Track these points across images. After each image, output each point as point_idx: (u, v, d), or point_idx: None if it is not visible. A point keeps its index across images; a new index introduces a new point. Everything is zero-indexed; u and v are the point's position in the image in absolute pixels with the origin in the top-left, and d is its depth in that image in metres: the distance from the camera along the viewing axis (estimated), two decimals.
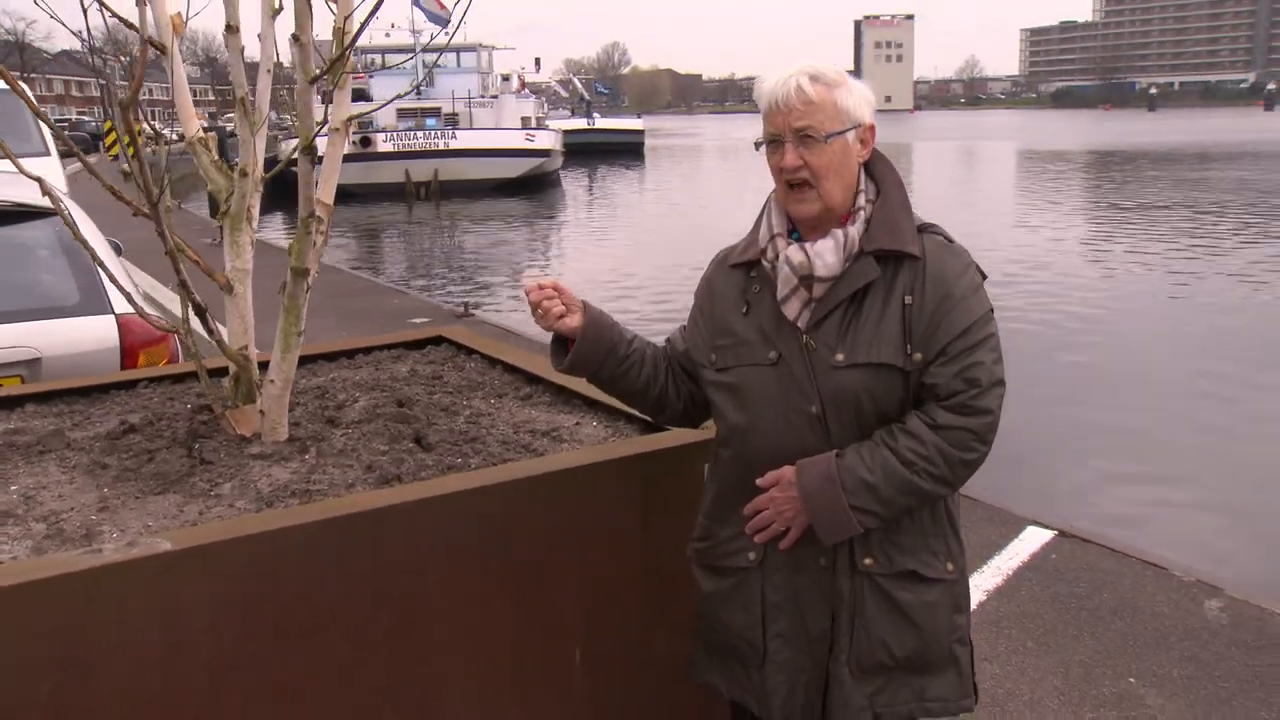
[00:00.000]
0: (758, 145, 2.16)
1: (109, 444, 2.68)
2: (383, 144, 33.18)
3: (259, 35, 2.74)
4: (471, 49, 40.37)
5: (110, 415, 2.96)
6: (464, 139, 34.53)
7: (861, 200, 2.11)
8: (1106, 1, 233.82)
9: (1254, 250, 18.89)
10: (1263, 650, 4.00)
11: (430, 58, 38.21)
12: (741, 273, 2.26)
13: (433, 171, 33.17)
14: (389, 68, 32.25)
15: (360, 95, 30.74)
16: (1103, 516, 6.45)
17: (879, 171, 2.15)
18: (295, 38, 2.33)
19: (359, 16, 2.43)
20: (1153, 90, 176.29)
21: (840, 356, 2.07)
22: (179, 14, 2.62)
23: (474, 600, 2.33)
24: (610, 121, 65.92)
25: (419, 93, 37.65)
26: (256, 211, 2.75)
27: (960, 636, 2.19)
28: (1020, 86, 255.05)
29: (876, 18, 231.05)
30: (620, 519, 2.51)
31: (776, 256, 2.15)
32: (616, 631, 2.54)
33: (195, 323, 2.68)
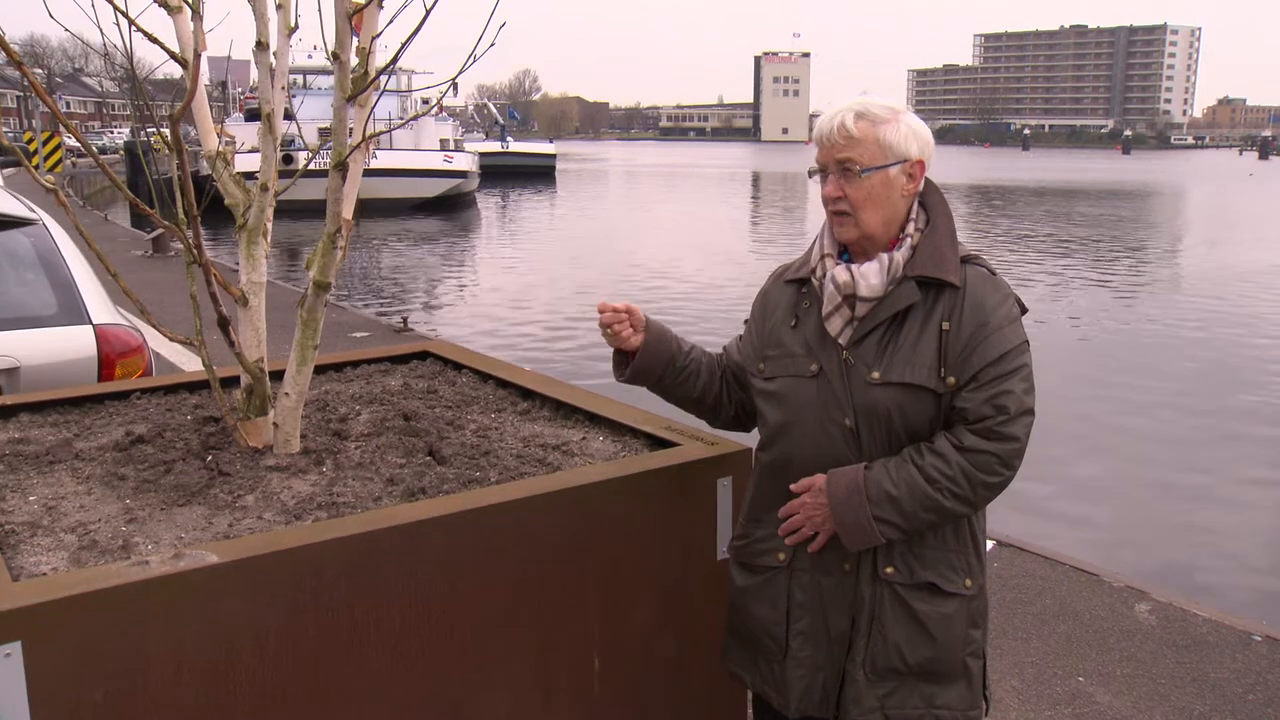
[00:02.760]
0: (811, 174, 2.32)
1: (121, 455, 2.65)
2: (302, 161, 32.55)
3: (274, 52, 2.76)
4: (389, 72, 40.12)
5: (112, 426, 2.93)
6: (385, 159, 34.29)
7: (911, 228, 2.23)
8: (984, 48, 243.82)
9: (1118, 277, 20.21)
10: (1190, 649, 4.25)
11: None
12: (794, 288, 2.39)
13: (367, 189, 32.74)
14: (309, 89, 31.84)
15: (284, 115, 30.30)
16: (1028, 526, 6.72)
17: (930, 202, 2.27)
18: (335, 55, 2.36)
19: (394, 34, 2.46)
20: (1026, 131, 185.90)
21: (876, 374, 2.19)
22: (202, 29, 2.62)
23: (503, 611, 2.36)
24: (523, 145, 66.15)
25: None
26: (270, 225, 2.76)
27: (974, 650, 2.29)
28: None
29: (775, 54, 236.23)
30: (639, 531, 2.57)
31: (824, 275, 2.27)
32: (634, 640, 2.59)
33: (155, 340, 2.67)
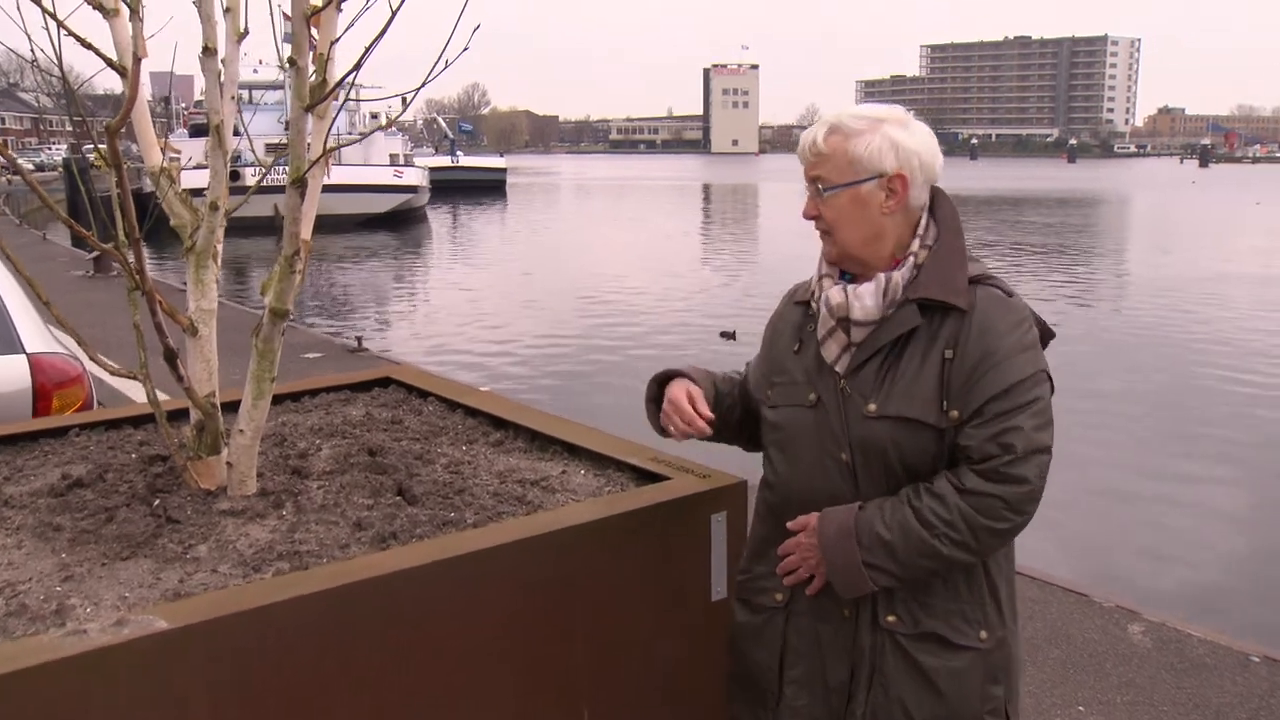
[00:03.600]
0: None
1: (56, 501, 2.41)
2: (251, 178, 32.17)
3: (223, 60, 2.55)
4: (353, 82, 39.61)
5: (47, 467, 2.68)
6: (334, 174, 33.51)
7: (916, 245, 2.04)
8: (931, 59, 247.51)
9: (1072, 283, 20.34)
10: (1189, 673, 4.13)
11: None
12: (802, 310, 2.22)
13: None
14: (255, 104, 31.32)
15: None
16: None
17: (940, 216, 2.08)
18: (292, 61, 2.15)
19: (347, 45, 2.26)
20: (974, 141, 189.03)
21: (873, 406, 2.01)
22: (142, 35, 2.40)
23: (485, 661, 2.15)
24: (473, 160, 65.87)
25: (287, 126, 36.78)
26: (221, 248, 2.54)
27: (995, 707, 2.09)
28: None
29: (724, 66, 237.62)
30: (628, 574, 2.37)
31: (821, 297, 2.10)
32: (624, 690, 2.40)
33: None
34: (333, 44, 2.38)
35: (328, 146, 2.30)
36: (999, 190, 63.09)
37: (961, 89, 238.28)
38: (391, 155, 38.76)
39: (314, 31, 2.35)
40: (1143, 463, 8.81)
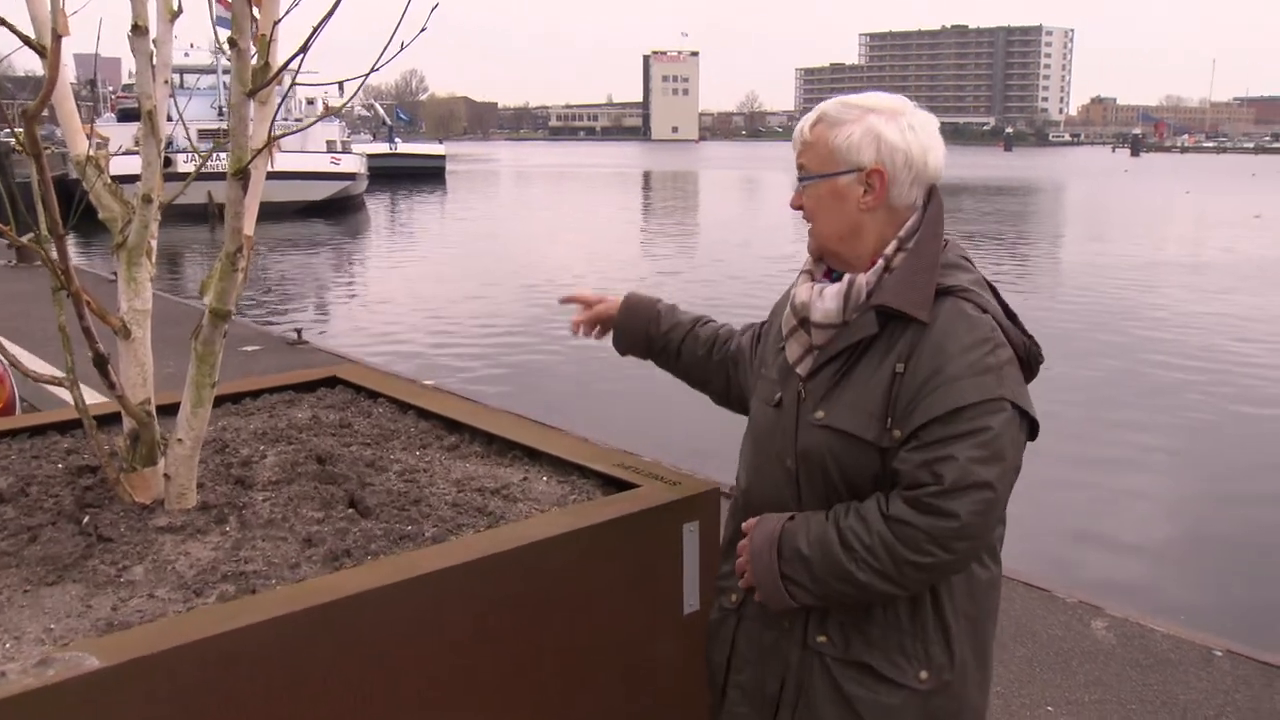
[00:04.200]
0: None
1: None
2: (184, 164, 31.49)
3: (154, 40, 2.36)
4: (301, 64, 38.74)
5: None
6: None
7: (891, 248, 1.90)
8: (870, 47, 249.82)
9: (1005, 271, 20.65)
10: (1154, 669, 4.09)
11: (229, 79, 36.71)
12: None
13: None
14: (187, 88, 30.60)
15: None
16: None
17: (928, 218, 1.93)
18: (233, 42, 1.98)
19: (298, 21, 2.09)
20: None
21: (820, 414, 1.90)
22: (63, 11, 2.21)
23: (449, 688, 2.01)
24: (412, 146, 65.01)
25: (220, 113, 36.04)
26: (155, 243, 2.36)
27: None
28: (796, 120, 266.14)
29: (664, 53, 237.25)
30: (598, 589, 2.24)
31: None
32: (596, 710, 2.27)
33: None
34: (276, 24, 2.21)
35: (280, 133, 2.12)
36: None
37: (900, 77, 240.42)
38: (328, 142, 38.00)
39: (255, 11, 2.18)
40: (1081, 452, 8.84)
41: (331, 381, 3.42)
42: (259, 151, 2.05)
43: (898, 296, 1.84)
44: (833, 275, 2.00)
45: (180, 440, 2.28)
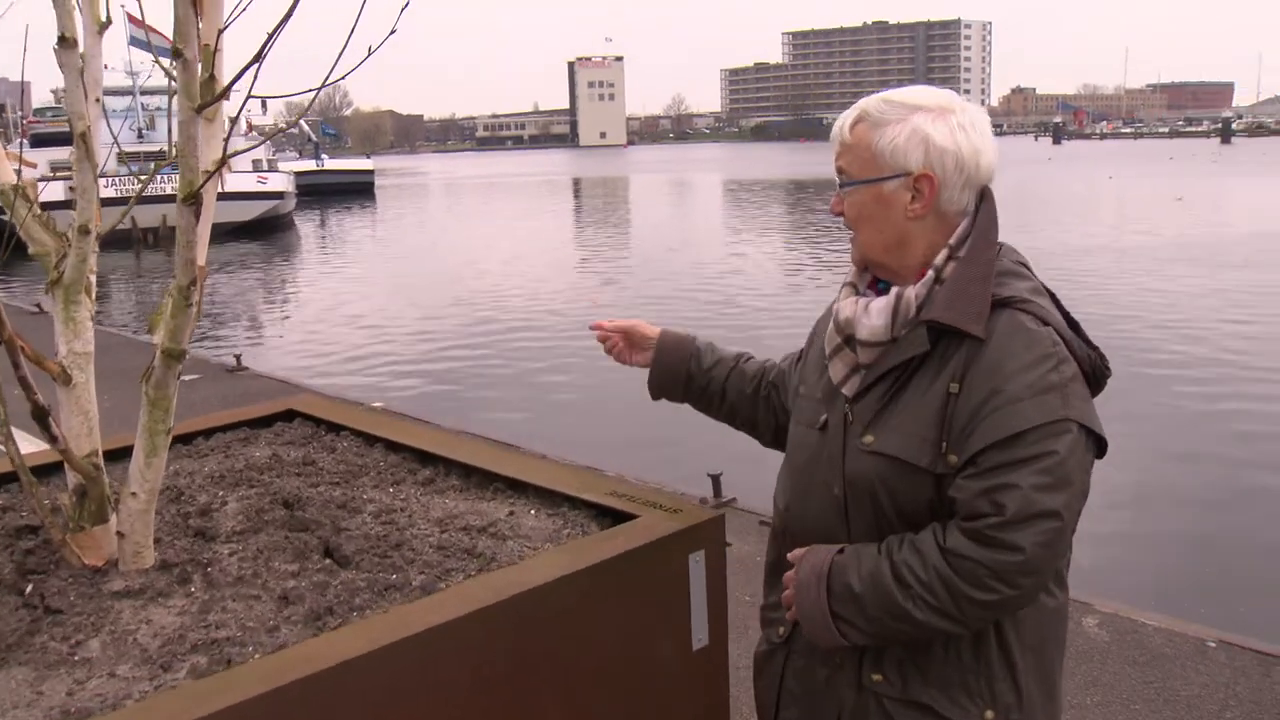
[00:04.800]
0: None
1: None
2: (105, 189, 30.68)
3: (82, 54, 2.14)
4: (257, 73, 37.86)
5: None
6: None
7: (941, 258, 1.76)
8: (794, 46, 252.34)
9: None
10: (1151, 665, 4.01)
11: (150, 100, 35.87)
12: None
13: (161, 217, 30.85)
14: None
15: (54, 140, 28.53)
16: None
17: (979, 225, 1.78)
18: (178, 52, 1.78)
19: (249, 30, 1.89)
20: None
21: (869, 438, 1.76)
22: None
23: None
24: (339, 162, 64.26)
25: (140, 136, 35.23)
26: (94, 278, 2.14)
27: None
28: (723, 122, 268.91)
29: (588, 59, 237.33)
30: (601, 630, 2.07)
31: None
32: None
33: None
34: (220, 33, 2.01)
35: (233, 152, 1.92)
36: None
37: (824, 74, 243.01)
38: (254, 161, 37.31)
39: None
40: None
41: (288, 415, 3.21)
42: (212, 174, 1.85)
43: (950, 311, 1.69)
44: (879, 285, 1.85)
45: (134, 494, 2.07)
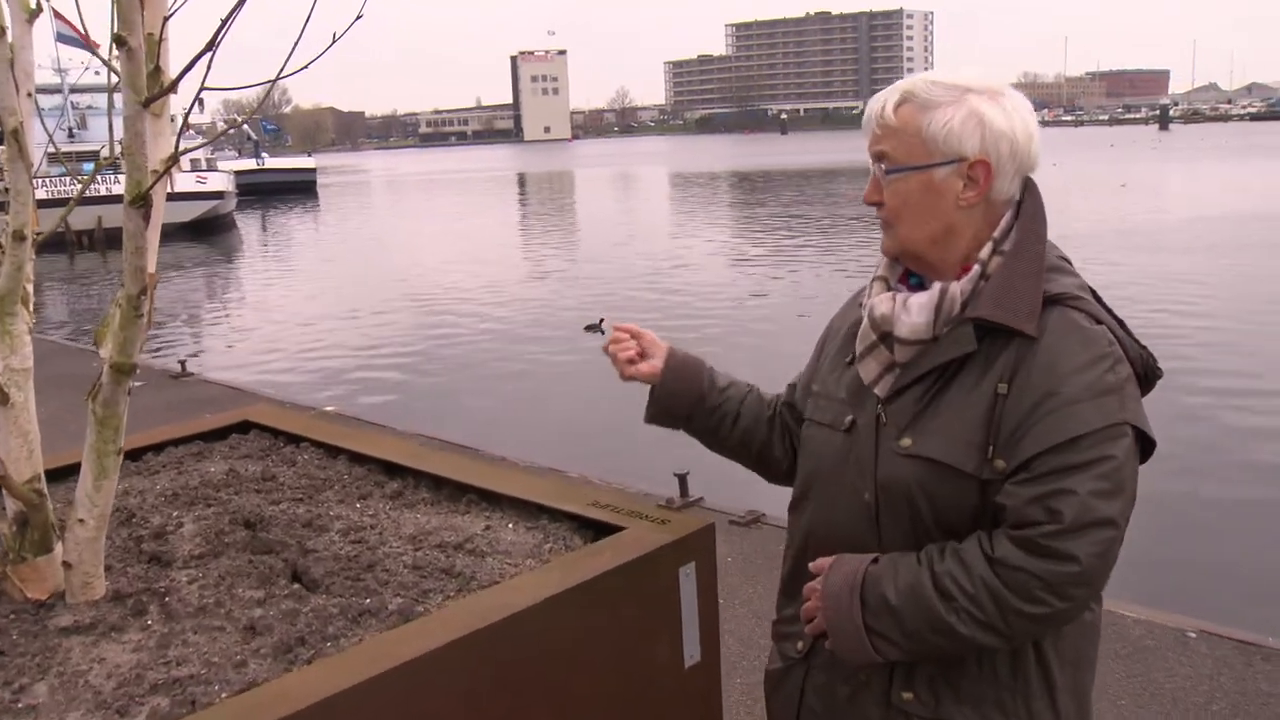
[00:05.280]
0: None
1: None
2: (37, 191, 30.01)
3: (12, 45, 1.98)
4: (209, 65, 36.98)
5: None
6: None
7: (986, 251, 1.65)
8: (737, 37, 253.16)
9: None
10: (1133, 657, 3.97)
11: (81, 99, 35.04)
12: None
13: (96, 219, 30.14)
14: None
15: None
16: None
17: (1025, 215, 1.68)
18: (121, 40, 1.63)
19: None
20: (783, 116, 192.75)
21: (907, 441, 1.65)
22: None
23: None
24: (280, 161, 63.42)
25: (71, 135, 34.37)
26: (31, 288, 1.98)
27: None
28: (668, 114, 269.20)
29: (531, 53, 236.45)
30: (590, 650, 1.95)
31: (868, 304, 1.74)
32: None
33: None
34: (166, 21, 1.86)
35: (184, 149, 1.78)
36: (811, 164, 64.62)
37: (768, 65, 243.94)
38: (192, 161, 36.62)
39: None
40: None
41: (244, 426, 3.05)
42: (161, 174, 1.70)
43: (1000, 308, 1.59)
44: (910, 279, 1.75)
45: (82, 520, 1.91)
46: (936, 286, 1.66)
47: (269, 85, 2.05)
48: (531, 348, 13.30)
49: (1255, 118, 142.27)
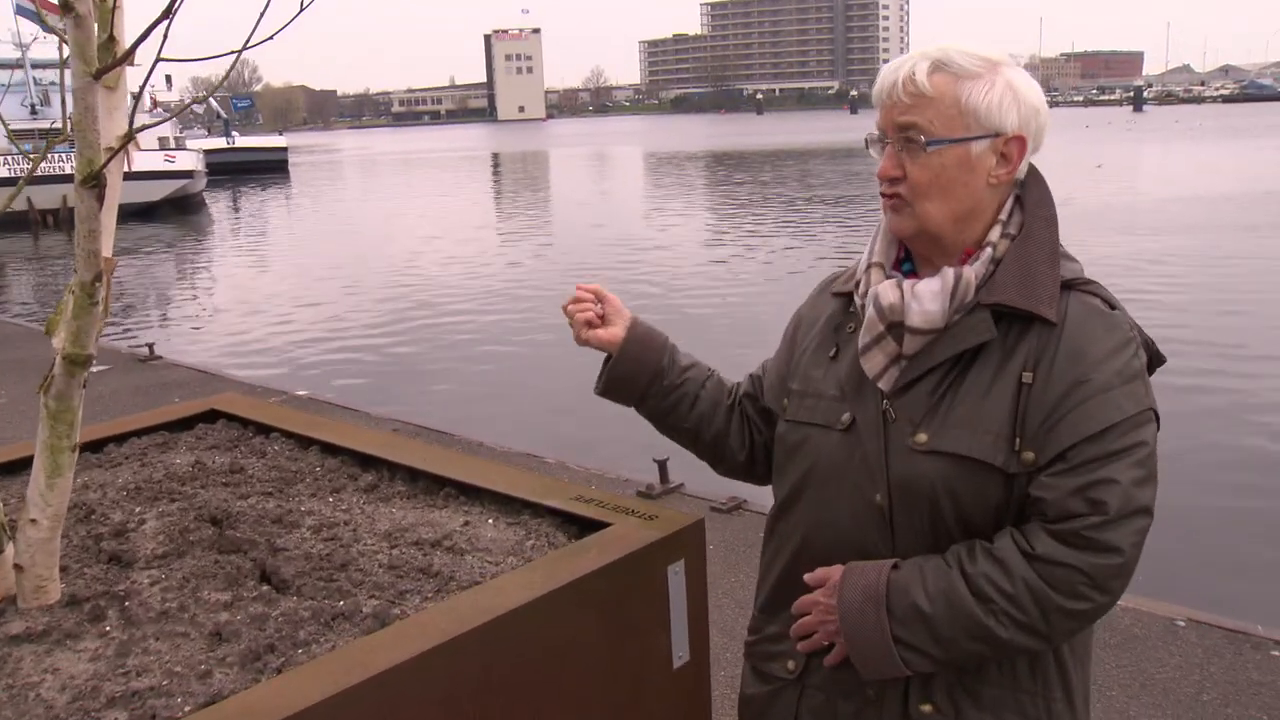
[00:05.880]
0: (868, 143, 1.65)
1: None
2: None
3: None
4: (166, 34, 36.29)
5: None
6: None
7: (995, 234, 1.58)
8: (712, 16, 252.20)
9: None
10: (1122, 647, 3.92)
11: (42, 74, 34.44)
12: (841, 305, 1.75)
13: (60, 198, 29.69)
14: None
15: None
16: None
17: (1031, 200, 1.62)
18: (69, 6, 1.51)
19: None
20: (759, 96, 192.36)
21: (922, 437, 1.56)
22: None
23: None
24: (251, 140, 62.73)
25: (34, 112, 33.80)
26: None
27: None
28: (642, 94, 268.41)
29: (505, 32, 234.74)
30: (578, 649, 1.86)
31: (868, 292, 1.63)
32: None
33: None
34: None
35: (142, 125, 1.66)
36: (786, 144, 64.62)
37: (744, 45, 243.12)
38: (160, 139, 36.11)
39: None
40: None
41: (211, 416, 2.93)
42: (116, 151, 1.59)
43: (1021, 293, 1.53)
44: (902, 266, 1.67)
45: (34, 520, 1.80)
46: (949, 271, 1.57)
47: (235, 56, 1.93)
48: (507, 328, 13.18)
49: (1228, 100, 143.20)
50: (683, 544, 2.01)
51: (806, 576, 1.67)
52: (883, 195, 1.63)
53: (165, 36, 1.50)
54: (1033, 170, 1.64)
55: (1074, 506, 1.46)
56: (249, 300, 16.71)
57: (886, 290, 1.60)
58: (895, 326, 1.59)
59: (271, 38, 1.69)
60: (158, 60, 1.51)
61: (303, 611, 1.79)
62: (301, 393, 8.06)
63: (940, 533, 1.57)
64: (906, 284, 1.59)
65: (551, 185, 45.28)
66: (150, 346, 9.63)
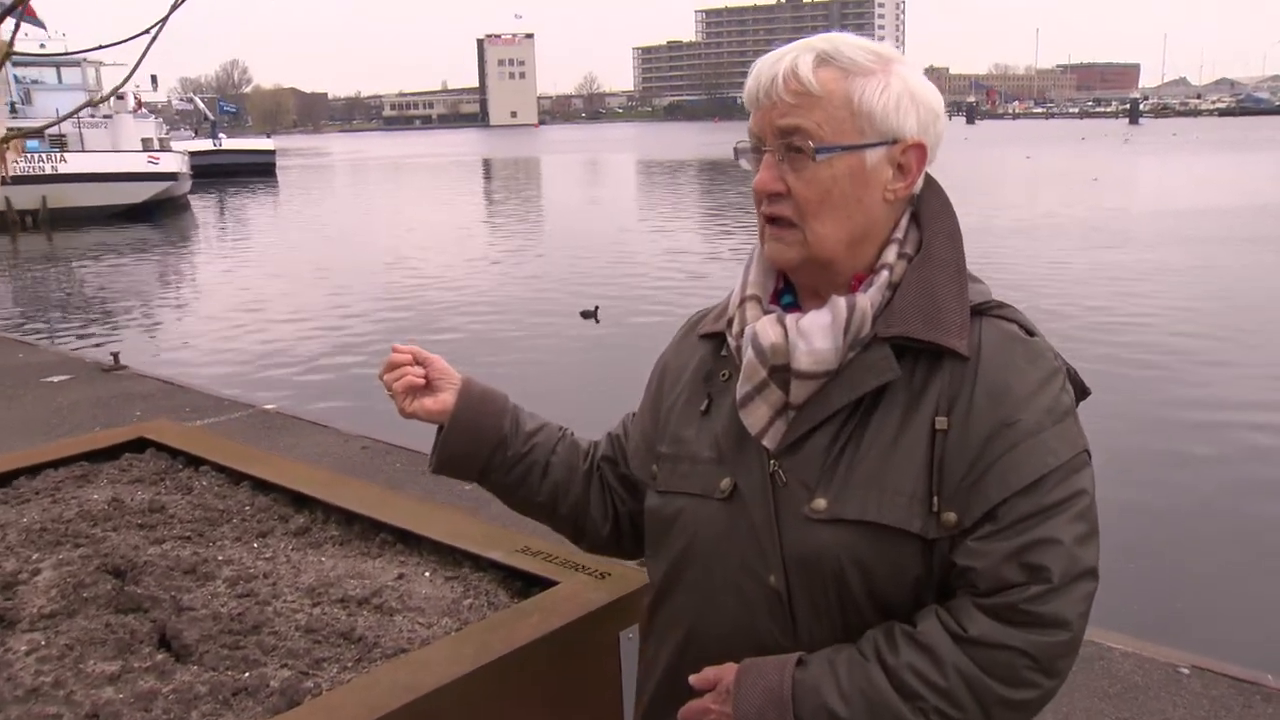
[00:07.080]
0: (738, 153, 1.39)
1: None
2: None
3: None
4: (74, 64, 35.91)
5: None
6: (76, 163, 31.02)
7: (891, 255, 1.33)
8: (707, 24, 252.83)
9: None
10: (1124, 697, 3.58)
11: (26, 73, 34.15)
12: (711, 349, 1.48)
13: (40, 199, 29.37)
14: None
15: None
16: None
17: (928, 214, 1.37)
18: None
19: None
20: None
21: (821, 503, 1.29)
22: None
23: None
24: (238, 142, 62.26)
25: (14, 111, 33.47)
26: None
27: None
28: (636, 101, 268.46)
29: (498, 36, 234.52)
30: None
31: (742, 332, 1.37)
32: None
33: None
34: None
35: (53, 119, 1.44)
36: None
37: (738, 53, 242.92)
38: (144, 140, 35.71)
39: None
40: None
41: (139, 445, 2.71)
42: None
43: (926, 323, 1.28)
44: (782, 299, 1.41)
45: None
46: (839, 301, 1.31)
47: (156, 28, 1.72)
48: (492, 343, 12.93)
49: (1224, 113, 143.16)
50: (638, 606, 1.78)
51: (693, 679, 1.38)
52: (762, 216, 1.36)
53: (17, 24, 1.28)
54: (929, 179, 1.39)
55: (1010, 575, 1.23)
56: (226, 308, 16.35)
57: (766, 328, 1.34)
58: (779, 371, 1.32)
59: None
60: (11, 48, 1.29)
61: (200, 686, 1.57)
62: (269, 406, 7.79)
63: (850, 617, 1.31)
64: (790, 319, 1.33)
65: (544, 192, 45.07)
66: (115, 355, 9.31)
